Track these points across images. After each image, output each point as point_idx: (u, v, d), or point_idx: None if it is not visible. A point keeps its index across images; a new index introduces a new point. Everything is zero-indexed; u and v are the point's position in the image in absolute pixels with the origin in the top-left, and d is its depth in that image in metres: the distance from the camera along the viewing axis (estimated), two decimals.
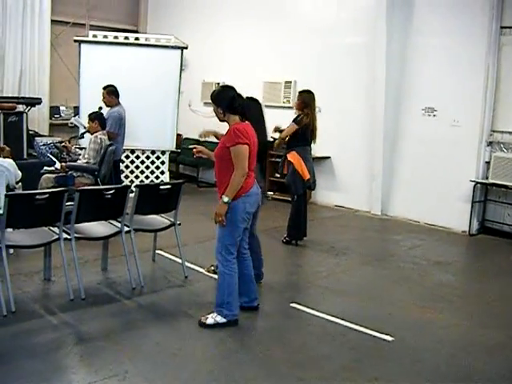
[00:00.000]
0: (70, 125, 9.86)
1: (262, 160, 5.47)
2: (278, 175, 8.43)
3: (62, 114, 11.02)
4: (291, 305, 4.90)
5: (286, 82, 9.65)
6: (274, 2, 9.87)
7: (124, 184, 8.14)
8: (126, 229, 5.10)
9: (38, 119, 10.37)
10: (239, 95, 4.32)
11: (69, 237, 4.74)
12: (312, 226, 7.21)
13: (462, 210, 7.79)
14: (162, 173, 9.49)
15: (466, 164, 7.79)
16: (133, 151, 9.25)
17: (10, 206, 4.27)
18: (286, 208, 7.06)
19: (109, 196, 4.95)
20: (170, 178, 9.62)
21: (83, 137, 7.81)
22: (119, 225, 5.11)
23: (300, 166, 6.55)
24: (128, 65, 8.84)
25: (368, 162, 8.77)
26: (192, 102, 10.92)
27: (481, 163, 7.73)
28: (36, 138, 9.00)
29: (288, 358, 3.94)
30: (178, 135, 9.79)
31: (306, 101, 6.64)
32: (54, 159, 7.39)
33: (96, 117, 7.03)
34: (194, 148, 4.67)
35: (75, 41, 8.86)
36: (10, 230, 4.60)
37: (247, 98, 5.20)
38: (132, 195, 5.11)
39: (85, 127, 7.52)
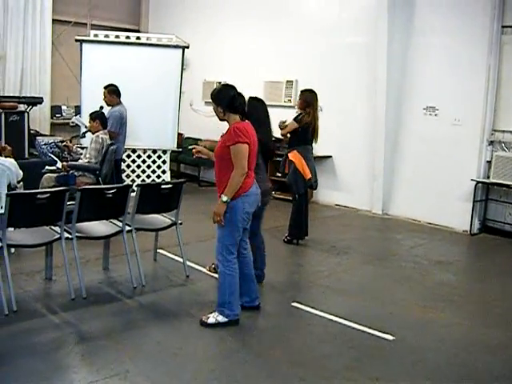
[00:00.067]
0: (71, 124, 9.88)
1: (267, 160, 5.48)
2: (280, 174, 8.43)
3: (64, 114, 11.03)
4: (292, 304, 4.90)
5: (288, 81, 9.65)
6: (276, 2, 9.87)
7: (125, 183, 8.14)
8: (128, 228, 5.10)
9: (39, 118, 10.38)
10: (239, 94, 4.31)
11: (70, 236, 4.74)
12: (313, 225, 7.21)
13: (463, 209, 7.79)
14: (164, 172, 9.49)
15: (468, 163, 7.79)
16: (134, 150, 9.26)
17: (11, 206, 4.28)
18: (288, 207, 7.06)
19: (110, 195, 4.95)
20: (171, 177, 9.63)
21: (84, 136, 7.81)
22: (120, 224, 5.11)
23: (301, 166, 6.56)
24: (129, 64, 8.85)
25: (369, 162, 8.77)
26: (193, 102, 10.92)
27: (482, 162, 7.73)
28: (37, 138, 9.01)
29: (289, 358, 3.94)
30: (180, 134, 9.79)
31: (308, 100, 6.64)
32: (56, 158, 7.39)
33: (97, 116, 7.03)
34: (194, 148, 4.67)
35: (77, 40, 8.86)
36: (11, 229, 4.60)
37: (252, 97, 5.21)
38: (133, 194, 5.11)
39: (86, 126, 7.52)
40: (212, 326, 4.30)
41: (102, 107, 7.63)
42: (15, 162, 5.64)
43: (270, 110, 5.31)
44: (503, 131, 7.63)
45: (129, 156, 9.22)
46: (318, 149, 7.96)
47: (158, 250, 5.97)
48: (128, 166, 9.26)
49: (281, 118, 6.83)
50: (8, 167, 5.45)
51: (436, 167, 8.09)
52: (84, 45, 8.81)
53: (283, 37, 9.68)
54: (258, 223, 5.19)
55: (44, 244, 4.77)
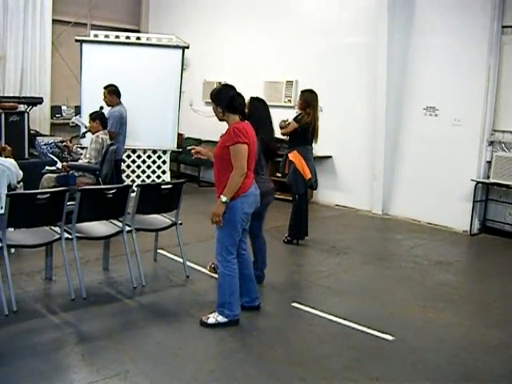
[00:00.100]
0: (71, 124, 9.88)
1: (269, 160, 5.47)
2: (280, 174, 8.43)
3: (64, 114, 11.03)
4: (292, 304, 4.90)
5: (288, 81, 9.65)
6: (276, 2, 9.87)
7: (125, 183, 8.14)
8: (128, 228, 5.10)
9: (39, 119, 10.38)
10: (239, 94, 4.29)
11: (70, 236, 4.74)
12: (313, 225, 7.21)
13: (463, 209, 7.79)
14: (164, 172, 9.49)
15: (468, 163, 7.79)
16: (134, 151, 9.26)
17: (11, 206, 4.28)
18: (287, 207, 7.06)
19: (110, 195, 4.95)
20: (171, 177, 9.63)
21: (84, 136, 7.81)
22: (120, 224, 5.11)
23: (301, 166, 6.55)
24: (129, 64, 8.85)
25: (369, 162, 8.77)
26: (193, 102, 10.92)
27: (482, 163, 7.73)
28: (37, 138, 9.00)
29: (289, 358, 3.94)
30: (180, 135, 9.79)
31: (308, 100, 6.64)
32: (56, 159, 7.39)
33: (97, 116, 7.03)
34: (193, 149, 4.65)
35: (77, 40, 8.86)
36: (11, 229, 4.60)
37: (253, 98, 5.21)
38: (133, 195, 5.11)
39: (86, 127, 7.52)
40: (212, 327, 4.30)
41: (101, 107, 7.64)
42: (15, 163, 5.63)
43: (270, 110, 5.30)
44: (503, 131, 7.63)
45: (129, 156, 9.22)
46: (318, 149, 7.96)
47: (158, 251, 5.97)
48: (128, 167, 9.26)
49: (281, 118, 6.83)
50: (8, 167, 5.44)
51: (436, 167, 8.09)
52: (84, 45, 8.81)
53: (283, 37, 9.68)
54: (259, 224, 5.19)
55: (44, 244, 4.77)
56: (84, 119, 8.03)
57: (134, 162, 9.33)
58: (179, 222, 5.46)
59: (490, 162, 7.69)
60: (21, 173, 5.66)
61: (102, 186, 6.08)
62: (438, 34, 8.00)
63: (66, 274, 4.73)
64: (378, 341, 4.27)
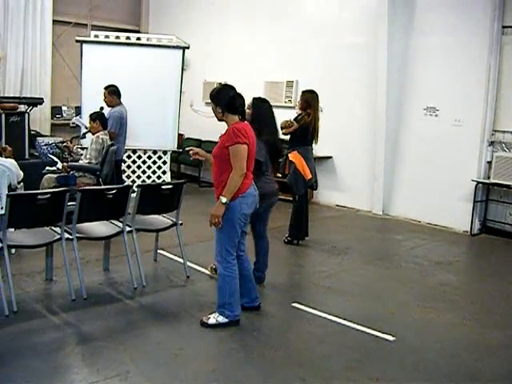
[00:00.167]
0: (71, 125, 9.88)
1: (274, 160, 5.47)
2: (280, 175, 8.42)
3: (64, 114, 11.04)
4: (293, 305, 4.90)
5: (288, 81, 9.65)
6: (276, 2, 9.87)
7: (126, 184, 8.14)
8: (128, 229, 5.11)
9: (39, 119, 10.38)
10: (239, 95, 4.28)
11: (71, 237, 4.74)
12: (313, 225, 7.21)
13: (463, 209, 7.79)
14: (164, 173, 9.49)
15: (468, 164, 7.79)
16: (134, 151, 9.26)
17: (11, 206, 4.28)
18: (288, 208, 7.06)
19: (110, 196, 4.96)
20: (172, 177, 9.62)
21: (85, 137, 7.81)
22: (121, 225, 5.11)
23: (302, 166, 6.56)
24: (130, 65, 8.85)
25: (369, 162, 8.77)
26: (194, 102, 10.93)
27: (482, 163, 7.73)
28: (38, 138, 9.01)
29: (289, 358, 3.94)
30: (180, 135, 9.79)
31: (309, 101, 6.64)
32: (56, 159, 7.39)
33: (97, 117, 7.03)
34: (191, 150, 4.65)
35: (77, 41, 8.86)
36: (11, 229, 4.60)
37: (256, 98, 5.21)
38: (134, 195, 5.11)
39: (86, 127, 7.52)
40: (212, 327, 4.30)
41: (102, 108, 7.64)
42: (16, 163, 5.64)
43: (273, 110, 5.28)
44: (503, 132, 7.63)
45: (129, 157, 9.22)
46: (319, 149, 7.96)
47: (158, 251, 5.97)
48: (128, 167, 9.26)
49: (281, 118, 6.83)
50: (8, 168, 5.45)
51: (436, 168, 8.09)
52: (84, 45, 8.80)
53: (284, 37, 9.68)
54: (264, 225, 5.20)
55: (44, 245, 4.77)
56: (84, 120, 8.03)
57: (134, 162, 9.33)
58: (179, 222, 5.46)
59: (490, 163, 7.69)
60: (21, 173, 5.66)
61: (103, 187, 6.08)
62: (438, 34, 8.00)
63: (66, 274, 4.73)
64: (378, 341, 4.27)
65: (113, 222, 5.21)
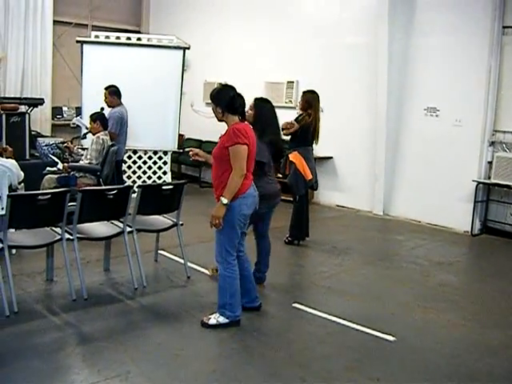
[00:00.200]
0: (72, 125, 9.88)
1: (277, 160, 5.47)
2: (280, 175, 8.43)
3: (65, 115, 11.04)
4: (293, 305, 4.90)
5: (289, 82, 9.65)
6: (276, 3, 9.88)
7: (126, 184, 8.14)
8: (129, 229, 5.11)
9: (40, 120, 10.38)
10: (239, 95, 4.27)
11: (71, 237, 4.74)
12: (314, 226, 7.21)
13: (464, 209, 7.79)
14: (165, 173, 9.49)
15: (468, 164, 7.79)
16: (135, 151, 9.27)
17: (12, 207, 4.28)
18: (288, 208, 7.05)
19: (111, 196, 4.96)
20: (172, 178, 9.62)
21: (85, 137, 7.81)
22: (121, 225, 5.11)
23: (302, 166, 6.56)
24: (130, 65, 8.85)
25: (370, 162, 8.77)
26: (194, 103, 10.92)
27: (483, 163, 7.73)
28: (38, 139, 9.00)
29: (290, 358, 3.94)
30: (180, 135, 9.80)
31: (310, 101, 6.64)
32: (56, 160, 7.39)
33: (98, 117, 7.04)
34: (191, 151, 4.64)
35: (77, 41, 8.87)
36: (12, 230, 4.60)
37: (258, 99, 5.20)
38: (134, 195, 5.12)
39: (87, 128, 7.53)
40: (213, 327, 4.30)
41: (102, 108, 7.64)
42: (16, 163, 5.64)
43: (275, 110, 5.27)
44: (504, 132, 7.63)
45: (130, 157, 9.22)
46: (319, 150, 7.96)
47: (158, 251, 5.98)
48: (129, 167, 9.26)
49: (282, 118, 6.82)
50: (9, 168, 5.45)
51: (437, 168, 8.09)
52: (85, 46, 8.81)
53: (284, 37, 9.69)
54: (266, 225, 5.19)
55: (45, 245, 4.78)
56: (85, 120, 8.04)
57: (135, 162, 9.34)
58: (180, 222, 5.46)
59: (490, 163, 7.69)
60: (22, 174, 5.66)
61: (103, 187, 6.08)
62: (438, 34, 8.00)
63: (67, 274, 4.73)
64: (378, 341, 4.27)
65: (113, 222, 5.22)
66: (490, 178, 7.67)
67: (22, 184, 5.71)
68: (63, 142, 8.24)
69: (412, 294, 5.36)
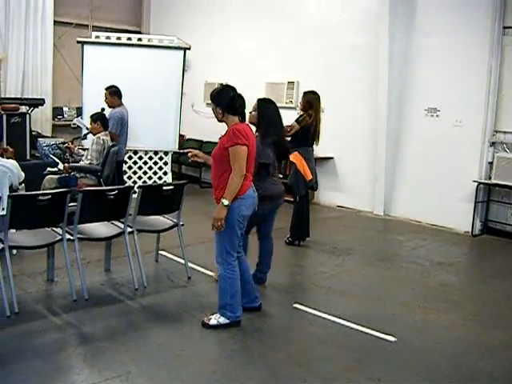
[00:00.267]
0: (72, 126, 9.89)
1: (282, 160, 5.45)
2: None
3: (65, 115, 11.05)
4: (294, 305, 4.90)
5: (289, 82, 9.65)
6: (277, 3, 9.88)
7: (127, 185, 8.15)
8: (129, 229, 5.11)
9: (40, 120, 10.39)
10: (239, 95, 4.27)
11: (72, 237, 4.74)
12: (315, 226, 7.21)
13: (464, 210, 7.79)
14: (165, 173, 9.49)
15: (469, 164, 7.78)
16: (136, 152, 9.27)
17: (13, 207, 4.28)
18: (289, 209, 7.04)
19: (112, 197, 4.96)
20: (173, 178, 9.62)
21: (86, 138, 7.82)
22: (122, 225, 5.12)
23: (302, 167, 6.55)
24: (131, 66, 8.85)
25: (371, 163, 8.77)
26: (195, 103, 10.93)
27: (483, 163, 7.72)
28: (39, 139, 9.01)
29: (290, 359, 3.94)
30: (181, 136, 9.80)
31: (311, 102, 6.64)
32: (57, 160, 7.39)
33: (98, 118, 7.04)
34: (189, 152, 4.62)
35: (78, 42, 8.87)
36: (12, 230, 4.60)
37: (261, 99, 5.20)
38: (135, 196, 5.12)
39: (87, 128, 7.53)
40: (213, 328, 4.30)
41: (103, 109, 7.63)
42: (17, 164, 5.64)
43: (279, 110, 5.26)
44: (504, 132, 7.63)
45: (130, 157, 9.23)
46: (320, 150, 7.95)
47: (159, 252, 5.98)
48: (129, 168, 9.27)
49: (283, 119, 6.83)
50: (10, 169, 5.44)
51: (437, 168, 8.09)
52: (85, 46, 8.81)
53: (284, 38, 9.69)
54: (269, 226, 5.19)
55: (46, 245, 4.78)
56: (85, 120, 8.04)
57: (135, 163, 9.34)
58: (181, 223, 5.47)
59: (491, 163, 7.68)
60: (22, 174, 5.66)
61: (104, 188, 6.08)
62: (439, 34, 8.00)
63: (67, 275, 4.73)
64: (379, 342, 4.27)
65: (114, 222, 5.22)
66: (490, 178, 7.67)
67: (23, 184, 5.71)
68: (64, 143, 8.25)
69: (412, 295, 5.36)
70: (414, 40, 8.27)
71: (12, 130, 8.23)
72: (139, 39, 9.33)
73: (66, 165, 6.88)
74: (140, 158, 9.35)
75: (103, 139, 6.85)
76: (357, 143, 8.98)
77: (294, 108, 9.05)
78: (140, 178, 9.35)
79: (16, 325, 4.19)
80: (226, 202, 4.08)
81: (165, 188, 5.39)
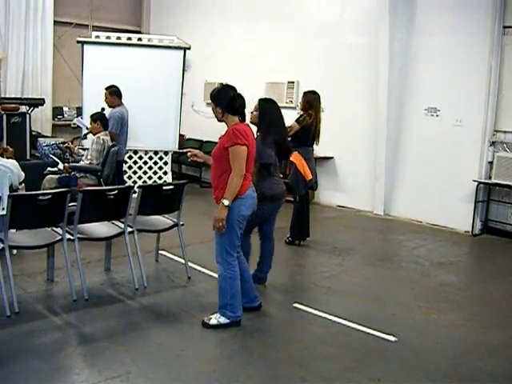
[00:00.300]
0: (72, 125, 9.89)
1: (283, 159, 5.45)
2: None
3: (65, 115, 11.05)
4: (294, 305, 4.90)
5: (289, 82, 9.65)
6: (277, 3, 9.88)
7: (127, 184, 8.14)
8: (129, 229, 5.11)
9: (40, 120, 10.39)
10: (239, 95, 4.26)
11: (72, 237, 4.74)
12: (315, 226, 7.21)
13: (464, 210, 7.79)
14: (165, 173, 9.49)
15: (469, 164, 7.78)
16: (136, 152, 9.27)
17: (13, 207, 4.28)
18: (289, 209, 7.04)
19: (112, 197, 4.96)
20: (173, 178, 9.62)
21: (86, 137, 7.82)
22: (122, 225, 5.12)
23: (302, 167, 6.55)
24: (131, 65, 8.85)
25: (371, 162, 8.77)
26: (195, 103, 10.93)
27: (484, 163, 7.72)
28: (39, 139, 9.01)
29: (291, 359, 3.94)
30: (181, 136, 9.80)
31: (311, 101, 6.64)
32: (57, 160, 7.40)
33: (98, 117, 7.04)
34: (189, 151, 4.62)
35: (78, 42, 8.87)
36: (13, 230, 4.60)
37: (263, 99, 5.20)
38: (135, 196, 5.12)
39: (87, 128, 7.53)
40: (214, 328, 4.30)
41: (103, 109, 7.63)
42: (17, 164, 5.64)
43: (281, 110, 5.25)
44: (505, 132, 7.63)
45: (130, 157, 9.23)
46: (320, 150, 7.95)
47: (159, 252, 5.98)
48: (129, 168, 9.26)
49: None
50: (10, 168, 5.45)
51: (437, 168, 8.09)
52: (85, 46, 8.81)
53: (285, 38, 9.69)
54: (271, 226, 5.18)
55: (46, 245, 4.78)
56: (85, 120, 8.04)
57: (135, 162, 9.34)
58: (181, 222, 5.46)
59: (491, 163, 7.69)
60: (22, 174, 5.67)
61: (104, 187, 6.09)
62: (439, 34, 8.00)
63: (67, 275, 4.73)
64: (379, 341, 4.27)
65: (114, 222, 5.22)
66: (490, 178, 7.67)
67: (23, 184, 5.71)
68: (64, 143, 8.25)
69: (413, 295, 5.36)
70: (413, 40, 8.27)
71: (12, 130, 8.23)
72: (139, 39, 9.33)
73: (66, 165, 6.89)
74: (140, 157, 9.35)
75: (103, 139, 6.86)
76: (357, 143, 8.98)
77: (294, 108, 9.05)
78: (140, 177, 9.35)
79: (16, 325, 4.19)
80: (226, 203, 4.08)
81: (165, 188, 5.40)
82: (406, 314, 4.84)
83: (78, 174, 6.71)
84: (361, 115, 8.88)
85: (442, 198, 8.03)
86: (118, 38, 9.21)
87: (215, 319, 4.33)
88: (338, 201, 9.29)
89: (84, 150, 7.58)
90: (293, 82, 9.60)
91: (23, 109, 8.77)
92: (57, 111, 10.92)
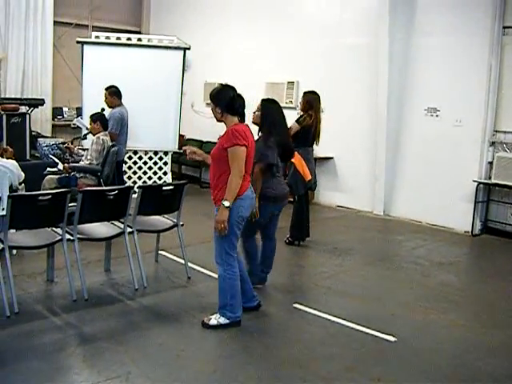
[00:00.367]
0: (72, 126, 9.90)
1: (286, 160, 5.45)
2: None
3: (65, 115, 11.06)
4: (294, 305, 4.90)
5: (289, 82, 9.65)
6: (277, 3, 9.87)
7: (127, 185, 8.14)
8: (129, 229, 5.11)
9: (40, 120, 10.40)
10: (239, 95, 4.26)
11: (72, 238, 4.75)
12: (314, 226, 7.21)
13: (464, 210, 7.78)
14: (165, 173, 9.49)
15: (469, 164, 7.78)
16: (135, 152, 9.27)
17: (13, 207, 4.28)
18: (289, 209, 7.03)
19: (112, 197, 4.96)
20: (173, 178, 9.62)
21: (86, 138, 7.82)
22: (122, 225, 5.12)
23: (301, 167, 6.53)
24: (130, 66, 8.85)
25: (371, 163, 8.77)
26: (194, 103, 10.93)
27: (483, 163, 7.72)
28: (39, 139, 9.02)
29: (290, 359, 3.94)
30: (181, 136, 9.80)
31: (311, 102, 6.64)
32: (57, 160, 7.40)
33: (98, 118, 7.04)
34: (187, 149, 4.58)
35: (78, 42, 8.87)
36: (12, 230, 4.60)
37: (265, 100, 5.20)
38: (135, 196, 5.12)
39: (87, 128, 7.53)
40: (213, 328, 4.30)
41: (103, 109, 7.63)
42: (17, 164, 5.64)
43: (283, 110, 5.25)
44: (504, 132, 7.62)
45: (130, 157, 9.23)
46: (320, 150, 7.95)
47: (159, 252, 5.97)
48: (129, 168, 9.27)
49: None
50: (10, 169, 5.45)
51: (437, 168, 8.08)
52: (85, 46, 8.81)
53: (285, 38, 9.69)
54: (274, 227, 5.18)
55: (46, 246, 4.78)
56: (85, 120, 8.03)
57: (135, 163, 9.34)
58: (181, 223, 5.47)
59: (491, 163, 7.68)
60: (22, 174, 5.67)
61: (104, 188, 6.09)
62: (438, 34, 8.00)
63: (67, 275, 4.73)
64: (379, 342, 4.27)
65: (114, 222, 5.22)
66: (490, 178, 7.67)
67: (23, 184, 5.71)
68: (64, 143, 8.26)
69: (412, 295, 5.36)
70: (413, 40, 8.27)
71: (12, 130, 8.24)
72: (139, 39, 9.34)
73: (66, 165, 6.88)
74: (140, 158, 9.35)
75: (103, 139, 6.86)
76: (357, 143, 8.98)
77: (294, 108, 9.05)
78: (140, 178, 9.35)
79: (16, 325, 4.19)
80: (226, 204, 4.07)
81: (165, 188, 5.40)
82: (405, 314, 4.84)
83: (77, 175, 6.71)
84: (361, 115, 8.88)
85: (441, 198, 8.03)
86: (118, 38, 9.21)
87: (215, 319, 4.32)
88: (338, 201, 9.29)
89: (84, 150, 7.58)
90: (293, 83, 9.60)
91: (23, 109, 8.78)
92: (57, 111, 10.93)
